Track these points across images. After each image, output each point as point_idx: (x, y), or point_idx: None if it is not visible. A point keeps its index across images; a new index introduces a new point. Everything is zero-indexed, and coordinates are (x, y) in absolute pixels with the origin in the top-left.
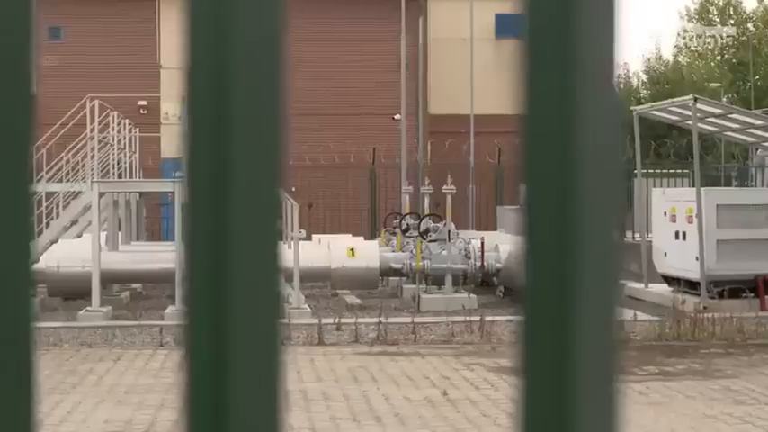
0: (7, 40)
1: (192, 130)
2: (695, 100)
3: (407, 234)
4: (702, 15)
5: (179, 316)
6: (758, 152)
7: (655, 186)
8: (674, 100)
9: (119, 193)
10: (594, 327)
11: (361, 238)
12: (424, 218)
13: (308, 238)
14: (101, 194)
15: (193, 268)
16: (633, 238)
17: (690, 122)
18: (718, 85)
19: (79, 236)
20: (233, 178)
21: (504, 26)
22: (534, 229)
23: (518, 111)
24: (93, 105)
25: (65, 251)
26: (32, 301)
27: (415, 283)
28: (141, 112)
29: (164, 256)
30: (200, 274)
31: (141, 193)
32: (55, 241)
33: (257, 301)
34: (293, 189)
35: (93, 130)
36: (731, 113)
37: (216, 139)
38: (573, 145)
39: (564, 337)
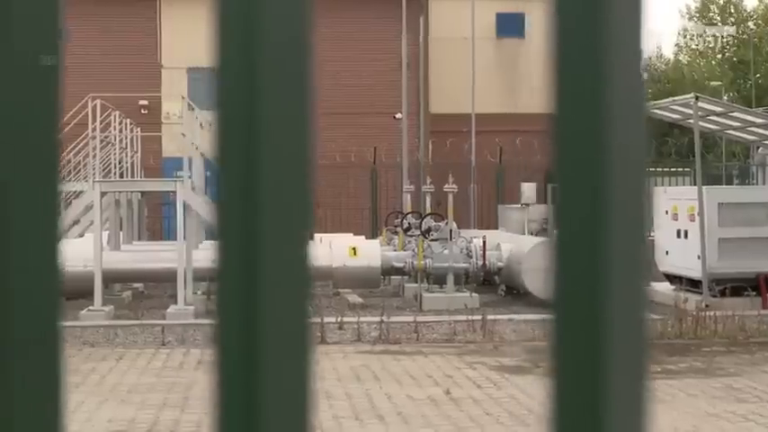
0: (38, 44)
1: (222, 130)
2: (696, 98)
3: (409, 233)
4: (703, 14)
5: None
6: (759, 150)
7: (656, 185)
8: (676, 98)
9: (120, 192)
10: (624, 325)
11: (363, 237)
12: (425, 217)
13: (310, 237)
14: (102, 194)
15: (224, 267)
16: None
17: (691, 121)
18: (719, 83)
19: (81, 235)
20: (263, 178)
21: (505, 25)
22: (565, 228)
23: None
24: (95, 105)
25: (66, 251)
26: (60, 300)
27: (416, 282)
28: (142, 111)
29: (165, 255)
30: (230, 274)
31: (143, 193)
32: None
33: (287, 300)
34: None
35: (94, 129)
36: (732, 112)
37: (246, 138)
38: (603, 144)
39: (594, 336)
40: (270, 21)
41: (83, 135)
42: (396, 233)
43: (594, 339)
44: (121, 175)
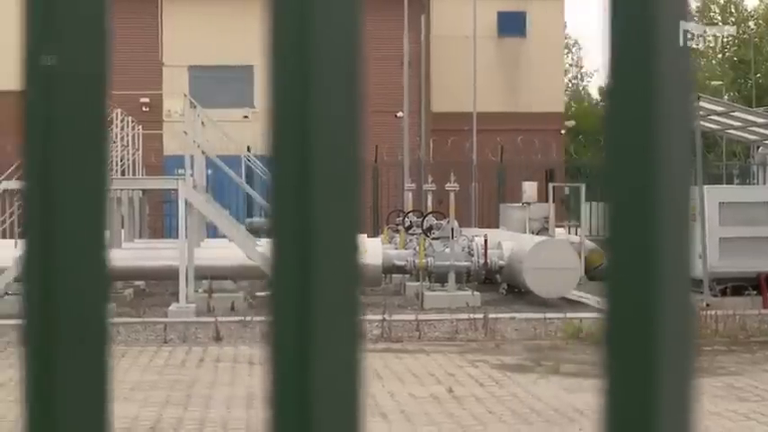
0: (87, 52)
1: (276, 128)
2: (698, 98)
3: (410, 231)
4: (704, 13)
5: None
6: (759, 150)
7: None
8: None
9: (122, 190)
10: (675, 322)
11: (364, 235)
12: (427, 215)
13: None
14: None
15: (279, 266)
16: None
17: None
18: (720, 83)
19: None
20: (315, 175)
21: (506, 24)
22: (618, 227)
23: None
24: None
25: None
26: (108, 299)
27: (418, 281)
28: (143, 109)
29: (166, 253)
30: (285, 271)
31: (144, 191)
32: None
33: (339, 296)
34: None
35: None
36: (733, 111)
37: (300, 136)
38: (654, 146)
39: (647, 333)
40: (323, 19)
41: None
42: (397, 231)
43: (648, 336)
44: (123, 173)
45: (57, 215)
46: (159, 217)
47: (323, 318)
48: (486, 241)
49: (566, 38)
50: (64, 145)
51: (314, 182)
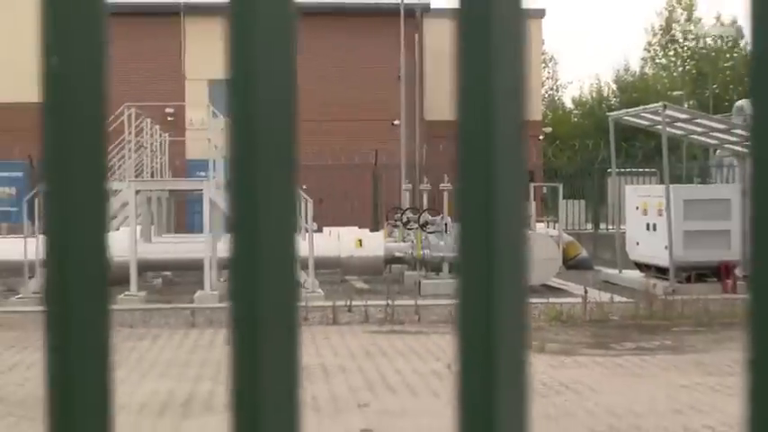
0: (276, 62)
1: (463, 148)
2: (664, 107)
3: (408, 226)
4: (666, 31)
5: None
6: (716, 153)
7: (626, 183)
8: (647, 107)
9: (152, 191)
10: None
11: (367, 230)
12: (423, 212)
13: (320, 230)
14: (137, 192)
15: (465, 284)
16: (608, 229)
17: (659, 127)
18: (681, 93)
19: (117, 229)
20: (496, 188)
21: None
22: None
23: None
24: (131, 114)
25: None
26: (297, 283)
27: (416, 270)
28: (168, 118)
29: (191, 246)
30: (472, 269)
31: (171, 191)
32: None
33: (512, 293)
34: (304, 187)
35: (130, 134)
36: (696, 118)
37: (484, 153)
38: None
39: None
40: (506, 48)
41: (119, 140)
42: (396, 227)
43: None
44: (152, 176)
45: (259, 212)
46: (181, 214)
47: (503, 307)
48: None
49: (543, 53)
50: (263, 147)
51: (491, 190)
